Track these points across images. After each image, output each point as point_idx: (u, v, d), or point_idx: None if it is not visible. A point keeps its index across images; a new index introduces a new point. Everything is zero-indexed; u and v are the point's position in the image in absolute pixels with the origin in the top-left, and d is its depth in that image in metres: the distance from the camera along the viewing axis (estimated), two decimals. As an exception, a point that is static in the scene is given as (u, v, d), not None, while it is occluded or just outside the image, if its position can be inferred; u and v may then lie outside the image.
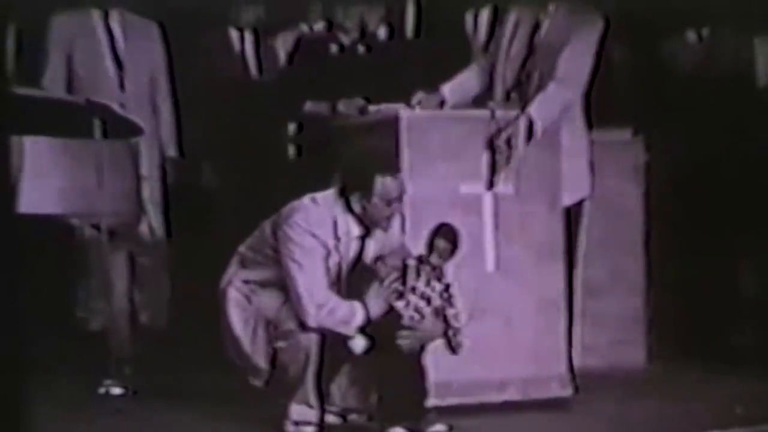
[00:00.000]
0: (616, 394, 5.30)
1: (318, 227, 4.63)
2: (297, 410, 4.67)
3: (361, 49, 6.11)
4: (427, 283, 4.68)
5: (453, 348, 4.72)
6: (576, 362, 5.14)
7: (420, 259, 4.68)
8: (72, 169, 5.27)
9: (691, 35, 6.29)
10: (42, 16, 5.96)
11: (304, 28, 6.20)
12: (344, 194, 4.67)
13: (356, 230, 4.69)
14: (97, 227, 5.44)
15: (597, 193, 5.52)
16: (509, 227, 5.04)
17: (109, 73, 5.96)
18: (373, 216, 4.67)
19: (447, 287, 4.71)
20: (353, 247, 4.72)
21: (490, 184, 5.03)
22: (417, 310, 4.67)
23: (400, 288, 4.65)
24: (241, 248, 4.83)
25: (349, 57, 6.09)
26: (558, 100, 5.12)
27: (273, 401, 4.73)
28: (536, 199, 5.09)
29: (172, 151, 6.09)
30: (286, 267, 4.63)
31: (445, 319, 4.70)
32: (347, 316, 4.60)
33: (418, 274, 4.66)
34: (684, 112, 6.12)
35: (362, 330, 4.62)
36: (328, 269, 4.64)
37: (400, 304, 4.63)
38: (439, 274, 4.70)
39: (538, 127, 5.02)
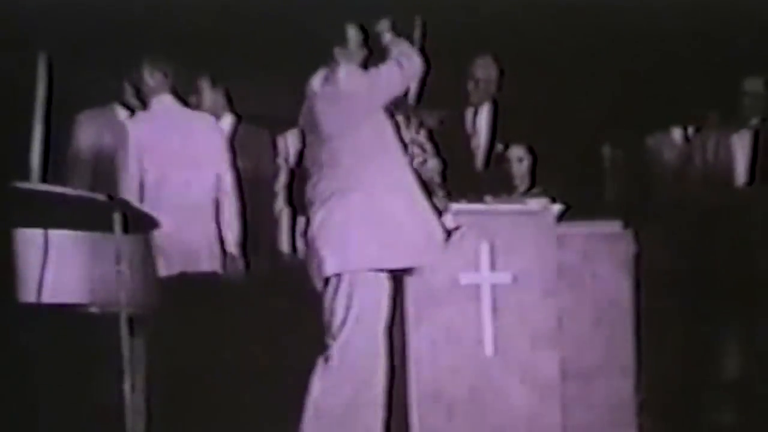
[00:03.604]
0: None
1: None
2: None
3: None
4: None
5: None
6: (569, 443, 5.23)
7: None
8: (92, 260, 5.37)
9: (677, 133, 6.55)
10: (67, 114, 6.10)
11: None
12: None
13: None
14: (116, 315, 5.39)
15: (589, 282, 5.78)
16: (506, 314, 5.27)
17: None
18: None
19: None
20: None
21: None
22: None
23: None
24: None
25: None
26: None
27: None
28: (532, 287, 5.31)
29: None
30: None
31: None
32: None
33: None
34: (671, 206, 6.32)
35: None
36: None
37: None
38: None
39: None
